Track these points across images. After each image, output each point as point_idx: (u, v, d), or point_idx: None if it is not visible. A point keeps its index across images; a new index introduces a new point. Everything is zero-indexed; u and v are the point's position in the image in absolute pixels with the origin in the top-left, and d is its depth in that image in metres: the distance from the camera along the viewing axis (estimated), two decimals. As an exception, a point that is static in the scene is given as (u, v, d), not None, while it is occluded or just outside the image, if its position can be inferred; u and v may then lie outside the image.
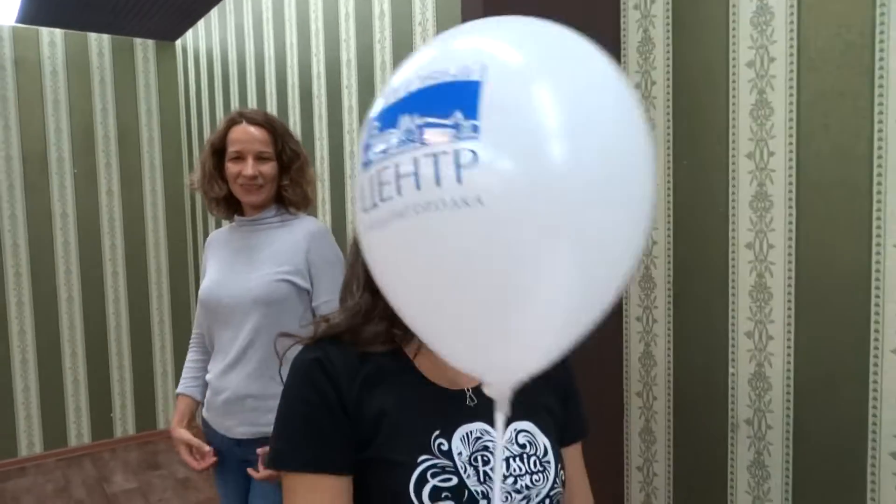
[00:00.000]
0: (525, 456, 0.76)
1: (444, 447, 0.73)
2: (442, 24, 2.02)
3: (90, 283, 4.07)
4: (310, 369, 0.74)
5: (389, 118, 0.55)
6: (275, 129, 1.64)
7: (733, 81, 1.28)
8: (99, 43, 4.12)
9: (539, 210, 0.51)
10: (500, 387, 0.60)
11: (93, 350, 4.08)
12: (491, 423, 0.67)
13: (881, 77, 1.07)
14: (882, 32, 1.07)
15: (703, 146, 1.34)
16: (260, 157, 1.60)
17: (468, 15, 1.35)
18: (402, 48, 2.20)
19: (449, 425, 0.75)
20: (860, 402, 1.13)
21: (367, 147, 0.56)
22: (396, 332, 0.77)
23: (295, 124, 2.90)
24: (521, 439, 0.77)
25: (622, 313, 1.52)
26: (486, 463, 0.74)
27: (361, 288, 0.78)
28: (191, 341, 1.81)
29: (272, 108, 3.08)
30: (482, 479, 0.73)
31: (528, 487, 0.74)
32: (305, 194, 1.67)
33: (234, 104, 3.49)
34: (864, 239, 1.11)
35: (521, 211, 0.51)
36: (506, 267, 0.52)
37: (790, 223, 1.21)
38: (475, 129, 0.50)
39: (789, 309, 1.22)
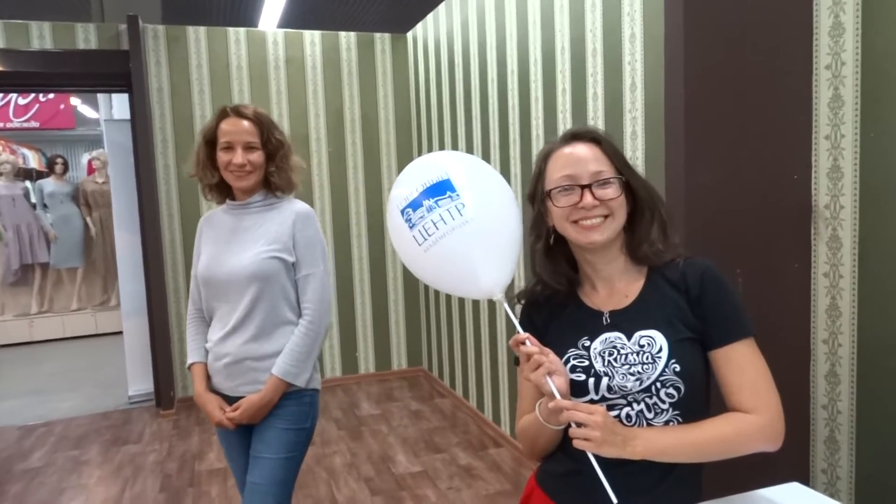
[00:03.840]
0: (641, 352, 1.12)
1: (587, 344, 1.17)
2: (649, 12, 2.26)
3: (340, 242, 4.87)
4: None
5: (416, 204, 1.17)
6: (261, 121, 1.83)
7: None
8: (347, 40, 4.86)
9: (483, 222, 1.17)
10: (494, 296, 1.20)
11: (342, 300, 4.90)
12: (622, 332, 1.14)
13: None
14: None
15: (890, 120, 1.49)
16: (248, 147, 1.80)
17: (671, 5, 1.57)
18: (612, 35, 2.47)
19: (594, 332, 1.17)
20: None
21: (409, 219, 1.17)
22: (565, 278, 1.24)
23: (513, 107, 3.30)
24: (642, 342, 1.13)
25: (810, 271, 1.70)
26: (610, 354, 1.14)
27: (544, 259, 1.24)
28: (189, 317, 1.98)
29: (493, 93, 3.50)
30: (605, 364, 1.13)
31: (639, 372, 1.10)
32: (290, 179, 1.88)
33: (459, 89, 3.98)
34: None
35: (480, 222, 1.16)
36: (475, 246, 1.16)
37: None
38: (458, 195, 1.15)
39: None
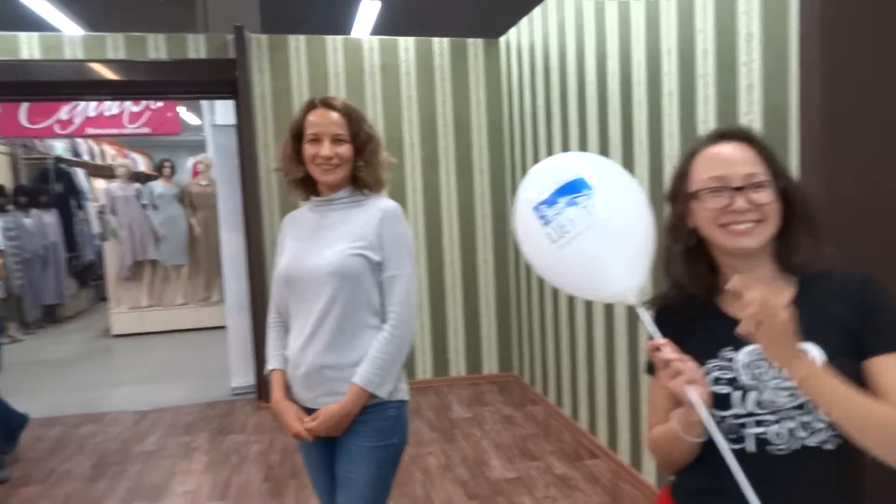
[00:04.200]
0: None
1: (730, 356, 1.12)
2: (770, 11, 2.17)
3: (433, 246, 4.94)
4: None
5: (550, 202, 1.17)
6: (350, 113, 1.73)
7: None
8: (440, 46, 4.92)
9: (618, 222, 1.18)
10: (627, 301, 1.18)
11: (434, 303, 4.96)
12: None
13: None
14: None
15: None
16: (336, 139, 1.69)
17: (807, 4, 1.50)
18: (725, 35, 2.39)
19: (739, 343, 1.10)
20: None
21: (543, 216, 1.17)
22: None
23: (614, 112, 3.25)
24: None
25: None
26: (758, 367, 1.09)
27: (682, 262, 1.19)
28: (270, 323, 1.87)
29: (592, 96, 3.46)
30: (752, 377, 1.09)
31: (794, 388, 1.04)
32: (378, 175, 1.77)
33: (554, 94, 3.95)
34: None
35: (615, 222, 1.17)
36: (610, 246, 1.17)
37: None
38: (593, 193, 1.15)
39: None
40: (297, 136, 1.74)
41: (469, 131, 4.98)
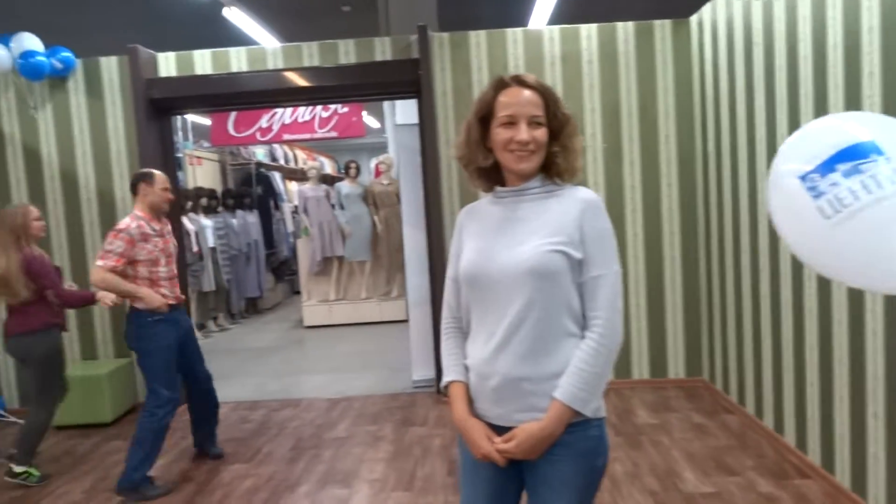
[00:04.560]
0: None
1: None
2: None
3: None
4: None
5: (824, 170, 0.96)
6: (546, 92, 1.54)
7: None
8: (624, 31, 4.67)
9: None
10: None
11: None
12: None
13: None
14: None
15: None
16: (532, 122, 1.50)
17: None
18: None
19: None
20: None
21: (813, 187, 0.97)
22: None
23: (835, 87, 2.84)
24: None
25: None
26: None
27: None
28: (444, 328, 1.67)
29: (808, 72, 3.06)
30: None
31: None
32: (575, 163, 1.56)
33: (758, 72, 3.57)
34: None
35: None
36: None
37: None
38: (888, 160, 0.96)
39: None
40: (484, 119, 1.55)
41: (655, 119, 4.68)
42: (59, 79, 4.76)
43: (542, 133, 1.51)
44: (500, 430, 1.51)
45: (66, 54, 4.67)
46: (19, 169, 4.84)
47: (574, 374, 1.45)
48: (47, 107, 4.81)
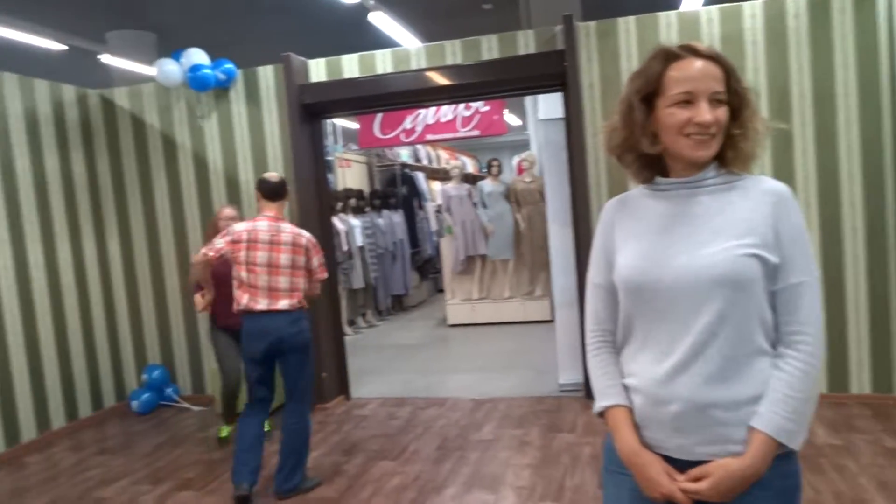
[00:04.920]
0: None
1: None
2: None
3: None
4: None
5: None
6: (724, 63, 1.28)
7: None
8: (795, 5, 4.20)
9: None
10: None
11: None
12: None
13: None
14: None
15: None
16: (714, 99, 1.26)
17: None
18: None
19: None
20: None
21: None
22: None
23: None
24: None
25: None
26: None
27: None
28: (591, 342, 1.44)
29: None
30: None
31: None
32: (756, 149, 1.31)
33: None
34: None
35: None
36: None
37: None
38: None
39: None
40: (648, 98, 1.32)
41: (833, 101, 4.17)
42: (222, 89, 5.10)
43: (723, 112, 1.27)
44: (679, 464, 1.28)
45: (229, 66, 4.98)
46: (189, 174, 5.24)
47: (779, 402, 1.22)
48: (212, 115, 5.16)
